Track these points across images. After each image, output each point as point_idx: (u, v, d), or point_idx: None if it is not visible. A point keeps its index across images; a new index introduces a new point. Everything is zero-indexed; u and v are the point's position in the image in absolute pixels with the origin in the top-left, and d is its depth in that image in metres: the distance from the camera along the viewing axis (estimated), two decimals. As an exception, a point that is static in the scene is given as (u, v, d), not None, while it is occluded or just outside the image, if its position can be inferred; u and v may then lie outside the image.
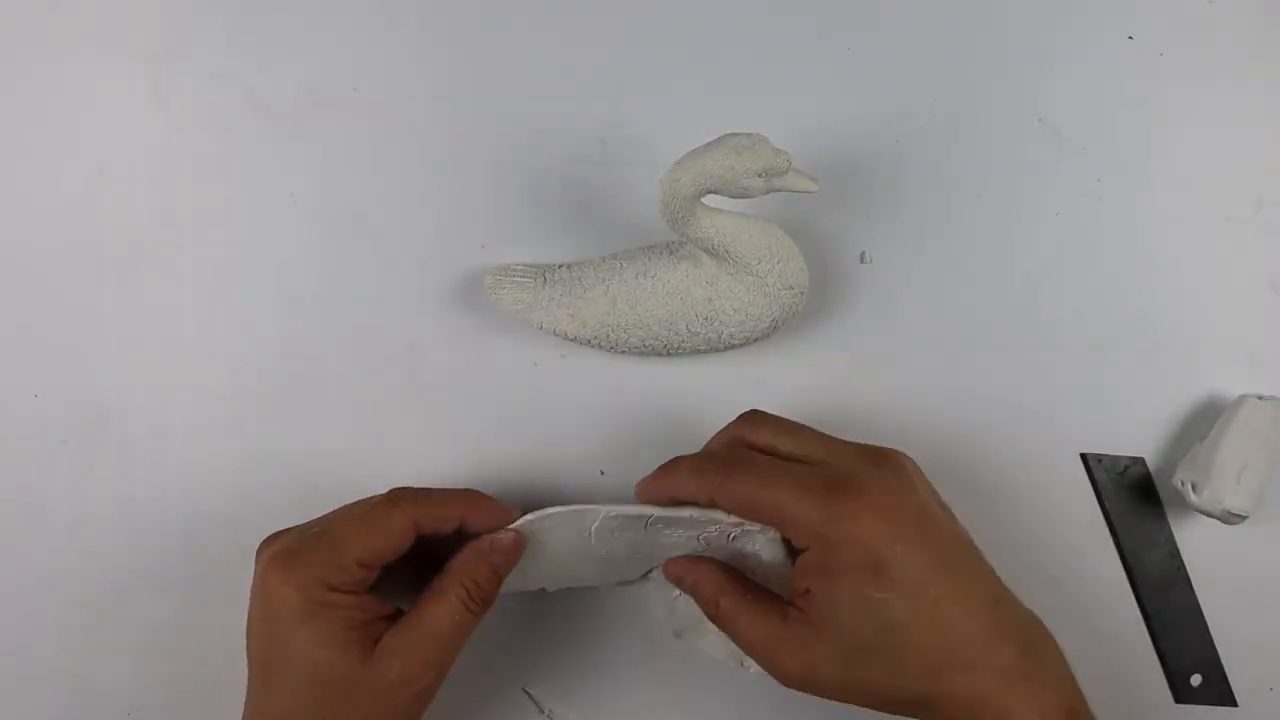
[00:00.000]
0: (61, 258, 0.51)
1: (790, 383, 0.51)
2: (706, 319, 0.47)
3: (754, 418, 0.44)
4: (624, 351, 0.49)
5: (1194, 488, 0.47)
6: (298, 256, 0.51)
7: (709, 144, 0.43)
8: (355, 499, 0.44)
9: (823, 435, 0.43)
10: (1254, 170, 0.52)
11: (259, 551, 0.43)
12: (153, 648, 0.49)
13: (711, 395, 0.50)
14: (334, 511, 0.44)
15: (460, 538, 0.44)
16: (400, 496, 0.43)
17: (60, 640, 0.49)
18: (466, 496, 0.44)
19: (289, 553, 0.41)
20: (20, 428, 0.50)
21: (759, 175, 0.42)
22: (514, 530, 0.44)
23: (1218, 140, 0.52)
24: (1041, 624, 0.41)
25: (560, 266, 0.49)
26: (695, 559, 0.44)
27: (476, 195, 0.51)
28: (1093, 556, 0.50)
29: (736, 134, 0.42)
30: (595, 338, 0.48)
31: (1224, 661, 0.50)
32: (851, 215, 0.51)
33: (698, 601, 0.43)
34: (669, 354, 0.49)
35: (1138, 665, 0.50)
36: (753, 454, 0.42)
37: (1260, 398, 0.49)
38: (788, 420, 0.44)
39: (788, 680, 0.40)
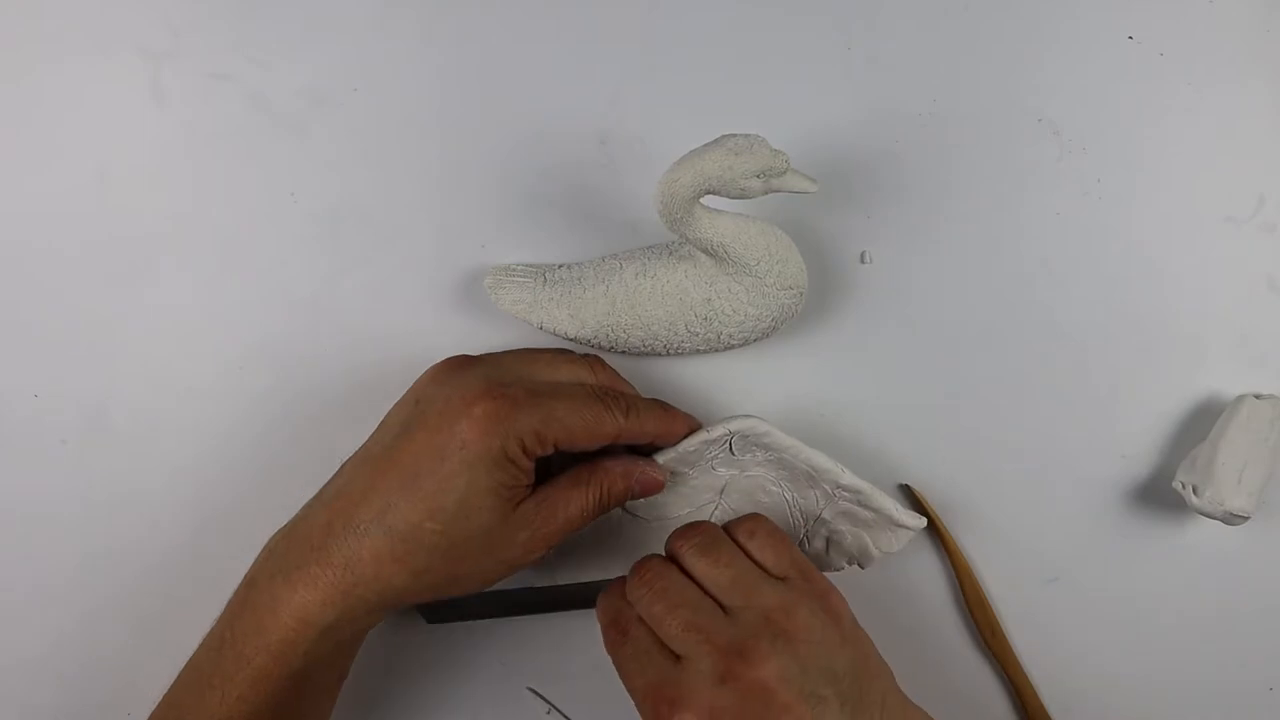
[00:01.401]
0: (61, 258, 0.51)
1: (789, 383, 0.51)
2: (706, 319, 0.47)
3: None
4: (624, 351, 0.49)
5: (1195, 490, 0.47)
6: (298, 256, 0.51)
7: (708, 145, 0.43)
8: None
9: (748, 567, 0.42)
10: (1254, 170, 0.52)
11: (452, 372, 0.43)
12: (152, 647, 0.49)
13: (711, 395, 0.50)
14: (524, 355, 0.45)
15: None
16: (614, 402, 0.43)
17: (60, 640, 0.49)
18: (662, 415, 0.45)
19: (508, 397, 0.41)
20: (20, 428, 0.50)
21: (758, 176, 0.42)
22: (665, 473, 0.45)
23: (1218, 140, 0.52)
24: None
25: (560, 266, 0.49)
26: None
27: (476, 195, 0.51)
28: (1093, 556, 0.50)
29: (735, 134, 0.42)
30: (595, 338, 0.48)
31: (1224, 661, 0.50)
32: (851, 215, 0.51)
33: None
34: (668, 354, 0.49)
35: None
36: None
37: (1259, 397, 0.49)
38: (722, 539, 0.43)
39: None
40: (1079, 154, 0.52)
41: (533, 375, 0.44)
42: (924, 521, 0.47)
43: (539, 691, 0.50)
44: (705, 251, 0.46)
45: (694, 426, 0.46)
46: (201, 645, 0.42)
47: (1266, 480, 0.47)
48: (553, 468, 0.44)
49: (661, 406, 0.45)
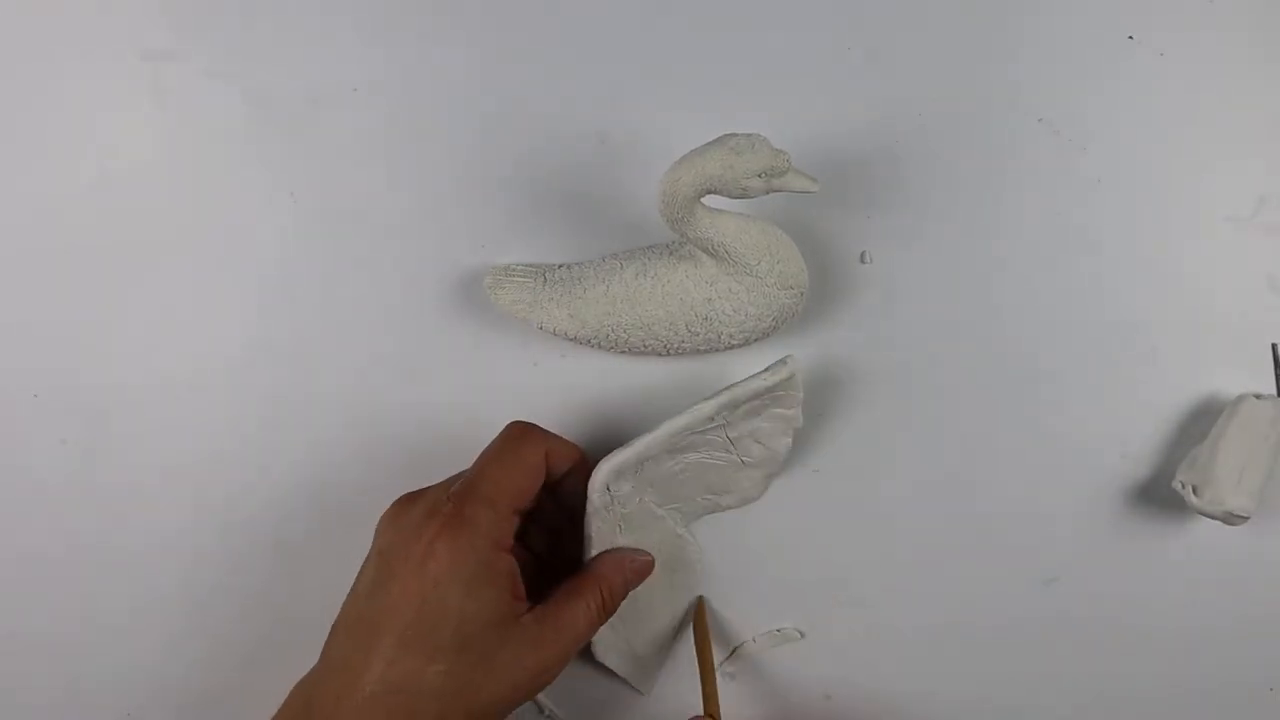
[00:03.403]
0: (62, 257, 0.51)
1: (790, 383, 0.51)
2: (706, 319, 0.47)
3: None
4: (624, 351, 0.49)
5: (1195, 490, 0.47)
6: (298, 256, 0.51)
7: (708, 144, 0.43)
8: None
9: None
10: (1254, 170, 0.52)
11: (398, 514, 0.42)
12: (152, 647, 0.49)
13: (711, 395, 0.50)
14: (469, 470, 0.44)
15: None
16: (522, 430, 0.44)
17: (59, 639, 0.49)
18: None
19: (454, 515, 0.41)
20: (20, 427, 0.50)
21: (759, 175, 0.42)
22: (647, 554, 0.47)
23: (1218, 140, 0.52)
24: None
25: (560, 266, 0.49)
26: None
27: (476, 195, 0.51)
28: (1093, 556, 0.50)
29: (736, 134, 0.42)
30: (595, 338, 0.48)
31: (1225, 662, 0.50)
32: (851, 215, 0.51)
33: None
34: (669, 354, 0.49)
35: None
36: None
37: (1259, 397, 0.49)
38: None
39: None
40: (1079, 154, 0.52)
41: (469, 478, 0.43)
42: (789, 364, 0.46)
43: (536, 696, 0.50)
44: (706, 251, 0.46)
45: (581, 452, 0.46)
46: None
47: (1266, 480, 0.47)
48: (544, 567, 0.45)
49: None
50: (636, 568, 0.46)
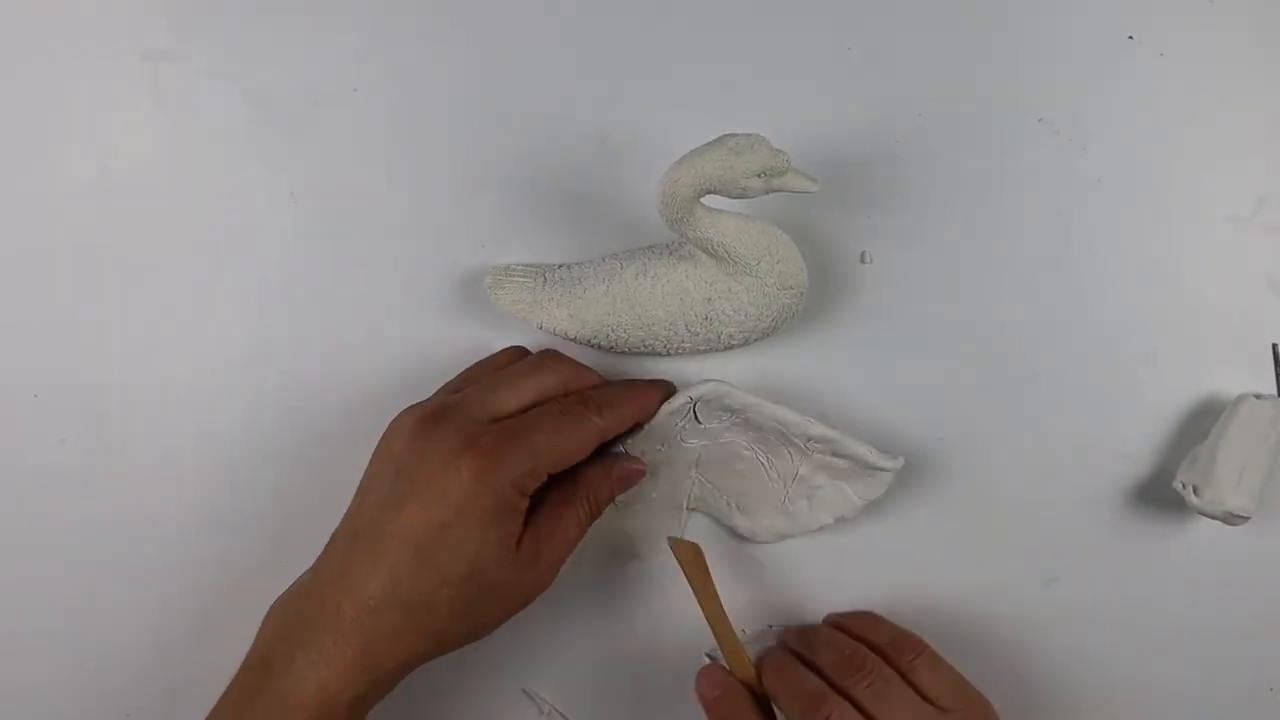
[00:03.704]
0: (62, 257, 0.51)
1: (790, 383, 0.51)
2: (706, 319, 0.47)
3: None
4: (624, 351, 0.49)
5: (1195, 490, 0.47)
6: (298, 256, 0.51)
7: (708, 144, 0.43)
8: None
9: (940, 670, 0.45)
10: (1254, 170, 0.52)
11: (427, 429, 0.42)
12: (153, 647, 0.49)
13: (711, 395, 0.50)
14: (472, 373, 0.45)
15: None
16: (584, 405, 0.44)
17: (59, 639, 0.49)
18: (635, 393, 0.46)
19: (491, 452, 0.41)
20: (20, 428, 0.50)
21: (758, 175, 0.42)
22: (641, 461, 0.47)
23: (1218, 140, 0.52)
24: None
25: (560, 266, 0.49)
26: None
27: (476, 195, 0.51)
28: (1093, 556, 0.50)
29: (735, 134, 0.42)
30: (595, 338, 0.48)
31: (1225, 662, 0.50)
32: (851, 215, 0.51)
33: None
34: (668, 354, 0.49)
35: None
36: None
37: (1259, 397, 0.49)
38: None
39: None
40: (1079, 154, 0.52)
41: (499, 406, 0.43)
42: (900, 461, 0.47)
43: (534, 693, 0.50)
44: (706, 251, 0.46)
45: (668, 390, 0.47)
46: None
47: (1266, 480, 0.47)
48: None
49: (629, 386, 0.46)
50: (623, 474, 0.46)
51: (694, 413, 0.47)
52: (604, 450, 0.46)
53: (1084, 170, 0.52)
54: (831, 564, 0.50)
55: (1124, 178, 0.51)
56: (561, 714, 0.50)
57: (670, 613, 0.50)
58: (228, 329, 0.51)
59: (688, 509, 0.50)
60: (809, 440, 0.46)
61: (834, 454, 0.47)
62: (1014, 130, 0.52)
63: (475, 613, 0.42)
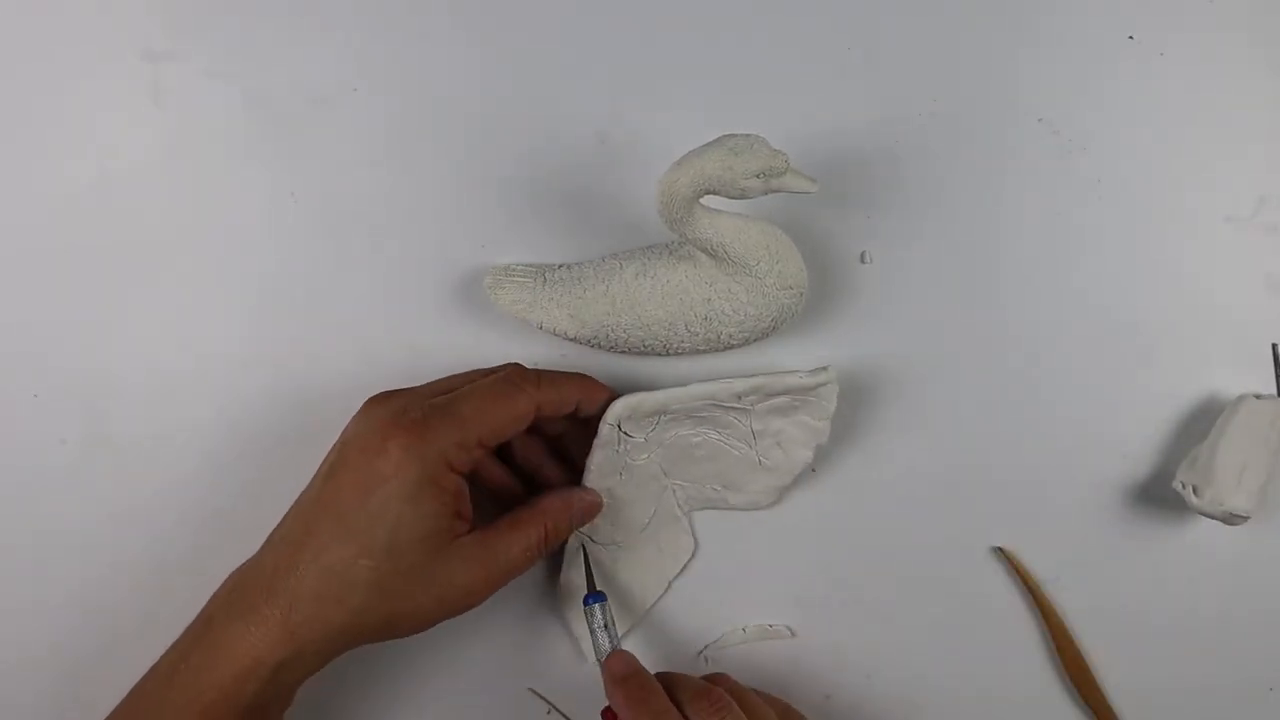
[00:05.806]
0: (61, 257, 0.51)
1: (790, 383, 0.51)
2: (705, 319, 0.47)
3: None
4: (623, 351, 0.49)
5: (1195, 490, 0.47)
6: (298, 256, 0.51)
7: (707, 145, 0.43)
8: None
9: None
10: (1254, 170, 0.52)
11: (369, 408, 0.43)
12: (153, 647, 0.49)
13: (711, 395, 0.50)
14: (450, 381, 0.45)
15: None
16: (522, 377, 0.44)
17: (59, 639, 0.49)
18: (581, 381, 0.46)
19: (418, 423, 0.41)
20: (20, 428, 0.50)
21: (757, 176, 0.42)
22: (599, 493, 0.47)
23: (1218, 140, 0.52)
24: None
25: (560, 266, 0.49)
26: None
27: (476, 195, 0.51)
28: (1093, 556, 0.50)
29: (734, 135, 0.42)
30: (595, 338, 0.48)
31: (1224, 662, 0.50)
32: (851, 215, 0.51)
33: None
34: (668, 354, 0.49)
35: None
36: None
37: (1259, 397, 0.49)
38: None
39: None
40: (1079, 154, 0.52)
41: (452, 395, 0.44)
42: (831, 369, 0.47)
43: (539, 692, 0.50)
44: (705, 251, 0.46)
45: (613, 395, 0.47)
46: (149, 674, 0.43)
47: (1266, 480, 0.47)
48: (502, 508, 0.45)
49: (575, 374, 0.47)
50: (583, 507, 0.47)
51: (622, 432, 0.47)
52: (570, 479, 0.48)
53: (1084, 170, 0.52)
54: (829, 562, 0.50)
55: (1124, 178, 0.51)
56: (564, 715, 0.50)
57: (673, 612, 0.50)
58: (227, 329, 0.51)
59: (684, 514, 0.50)
60: (740, 398, 0.47)
61: (770, 396, 0.47)
62: (1014, 130, 0.52)
63: (396, 595, 0.41)
